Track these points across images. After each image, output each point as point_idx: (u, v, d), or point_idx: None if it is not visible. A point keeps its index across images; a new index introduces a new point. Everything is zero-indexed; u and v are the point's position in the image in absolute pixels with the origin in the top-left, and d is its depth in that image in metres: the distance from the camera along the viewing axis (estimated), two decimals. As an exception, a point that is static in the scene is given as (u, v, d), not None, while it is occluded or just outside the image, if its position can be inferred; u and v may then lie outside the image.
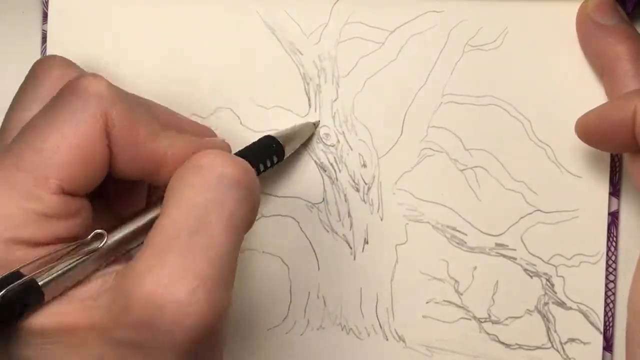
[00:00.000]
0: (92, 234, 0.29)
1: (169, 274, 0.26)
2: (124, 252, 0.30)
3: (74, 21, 0.39)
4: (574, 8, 0.35)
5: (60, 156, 0.28)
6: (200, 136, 0.33)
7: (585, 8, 0.35)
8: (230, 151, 0.33)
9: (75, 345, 0.27)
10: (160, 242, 0.27)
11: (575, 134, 0.34)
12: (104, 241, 0.29)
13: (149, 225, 0.29)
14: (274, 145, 0.35)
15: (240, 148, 0.37)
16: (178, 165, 0.30)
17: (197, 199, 0.28)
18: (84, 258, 0.28)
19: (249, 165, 0.30)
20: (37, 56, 0.39)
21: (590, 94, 0.35)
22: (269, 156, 0.34)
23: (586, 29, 0.35)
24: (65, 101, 0.29)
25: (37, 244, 0.28)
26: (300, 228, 0.38)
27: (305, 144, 0.38)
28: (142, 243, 0.29)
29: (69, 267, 0.28)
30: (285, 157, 0.35)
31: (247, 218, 0.29)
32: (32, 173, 0.28)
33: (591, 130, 0.33)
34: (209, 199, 0.28)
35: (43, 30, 0.39)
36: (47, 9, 0.39)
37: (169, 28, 0.38)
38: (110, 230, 0.29)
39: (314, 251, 0.38)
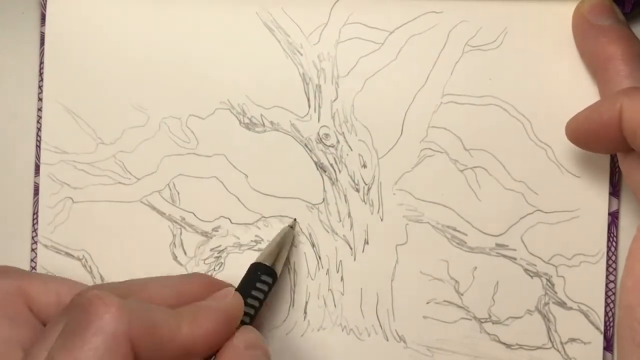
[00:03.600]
0: None
1: None
2: None
3: (72, 23, 0.38)
4: (573, 8, 0.35)
5: None
6: (202, 291, 0.33)
7: (580, 8, 0.35)
8: (242, 301, 0.33)
9: None
10: None
11: (566, 137, 0.34)
12: None
13: None
14: (265, 274, 0.35)
15: (238, 150, 0.37)
16: (207, 343, 0.30)
17: None
18: None
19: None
20: (36, 57, 0.39)
21: (590, 94, 0.36)
22: (267, 288, 0.35)
23: (581, 29, 0.35)
24: (84, 337, 0.28)
25: None
26: (301, 229, 0.38)
27: (307, 146, 0.38)
28: None
29: None
30: (277, 276, 0.36)
31: None
32: None
33: (581, 133, 0.33)
34: None
35: (41, 32, 0.39)
36: (45, 11, 0.39)
37: (168, 29, 0.38)
38: None
39: (315, 252, 0.38)
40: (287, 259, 0.37)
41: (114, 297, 0.29)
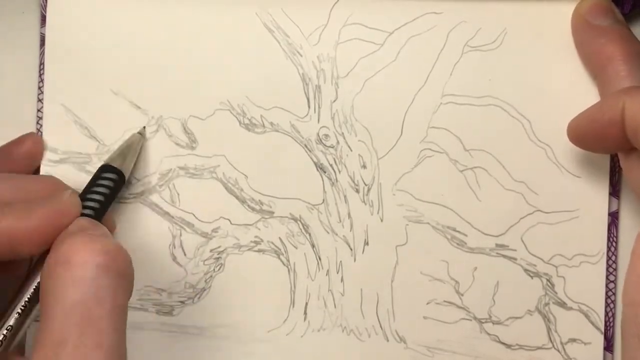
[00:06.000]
0: None
1: None
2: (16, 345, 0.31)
3: (72, 23, 0.38)
4: (573, 9, 0.36)
5: None
6: (46, 192, 0.33)
7: (579, 9, 0.35)
8: (78, 200, 0.33)
9: None
10: (51, 347, 0.27)
11: (568, 138, 0.34)
12: None
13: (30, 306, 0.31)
14: (113, 175, 0.36)
15: (238, 151, 0.37)
16: (35, 236, 0.30)
17: (75, 298, 0.28)
18: None
19: (114, 244, 0.30)
20: (36, 57, 0.39)
21: (589, 94, 0.36)
22: (115, 187, 0.35)
23: (580, 29, 0.35)
24: None
25: None
26: (301, 229, 0.38)
27: (307, 147, 0.38)
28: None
29: None
30: (127, 177, 0.36)
31: (126, 298, 0.29)
32: None
33: (583, 133, 0.34)
34: (87, 295, 0.28)
35: (41, 32, 0.39)
36: (45, 12, 0.39)
37: (168, 30, 0.38)
38: None
39: (315, 252, 0.38)
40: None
41: None
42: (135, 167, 0.38)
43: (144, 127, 0.38)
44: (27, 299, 0.31)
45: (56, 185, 0.35)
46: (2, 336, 0.30)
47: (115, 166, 0.36)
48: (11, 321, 0.31)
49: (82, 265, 0.28)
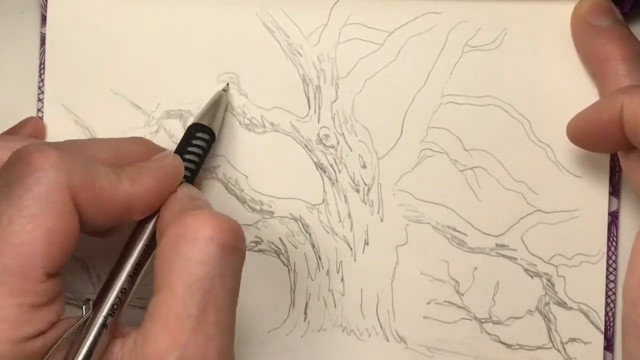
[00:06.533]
0: (84, 307, 0.30)
1: (193, 355, 0.27)
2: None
3: (72, 23, 0.38)
4: (573, 9, 0.36)
5: (40, 245, 0.28)
6: (143, 154, 0.33)
7: (579, 9, 0.35)
8: (182, 163, 0.33)
9: None
10: (174, 321, 0.28)
11: (568, 138, 0.34)
12: (89, 307, 0.30)
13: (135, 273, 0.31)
14: (205, 134, 0.35)
15: (238, 151, 0.37)
16: (148, 199, 0.31)
17: (201, 275, 0.28)
18: (93, 334, 0.29)
19: (234, 222, 0.30)
20: (36, 57, 0.39)
21: (589, 94, 0.36)
22: (207, 146, 0.35)
23: (580, 30, 0.35)
24: (25, 185, 0.28)
25: (39, 334, 0.28)
26: (301, 229, 0.38)
27: (308, 147, 0.38)
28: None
29: (89, 348, 0.29)
30: (216, 135, 0.36)
31: (239, 276, 0.30)
32: (17, 269, 0.27)
33: (582, 133, 0.34)
34: (210, 272, 0.28)
35: (42, 32, 0.39)
36: (45, 12, 0.39)
37: (168, 30, 0.38)
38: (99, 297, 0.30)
39: (315, 252, 0.38)
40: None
41: (53, 149, 0.29)
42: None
43: (228, 84, 0.38)
44: (136, 263, 0.31)
45: (150, 146, 0.35)
46: (117, 299, 0.30)
47: (205, 124, 0.35)
48: (125, 283, 0.30)
49: (209, 244, 0.28)
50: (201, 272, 0.28)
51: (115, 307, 0.30)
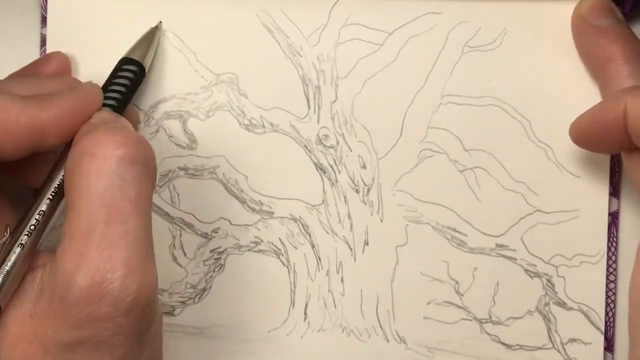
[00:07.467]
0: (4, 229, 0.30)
1: (97, 270, 0.27)
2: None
3: (72, 24, 0.38)
4: (573, 9, 0.36)
5: None
6: (66, 87, 0.33)
7: (579, 9, 0.35)
8: (100, 90, 0.33)
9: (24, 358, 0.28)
10: (79, 239, 0.28)
11: (571, 139, 0.34)
12: (7, 231, 0.30)
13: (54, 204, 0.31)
14: (133, 66, 0.35)
15: (238, 151, 0.37)
16: (60, 124, 0.31)
17: (100, 188, 0.28)
18: (11, 257, 0.29)
19: (136, 136, 0.30)
20: (36, 57, 0.39)
21: (589, 94, 0.36)
22: (136, 79, 0.35)
23: (581, 30, 0.35)
24: None
25: None
26: (301, 230, 0.38)
27: (307, 147, 0.38)
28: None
29: (7, 271, 0.29)
30: (147, 69, 0.36)
31: (151, 188, 0.30)
32: None
33: (585, 134, 0.34)
34: (111, 186, 0.28)
35: (42, 33, 0.39)
36: (45, 12, 0.39)
37: (167, 30, 0.38)
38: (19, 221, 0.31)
39: (314, 253, 0.38)
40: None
41: None
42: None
43: (160, 22, 0.38)
44: (55, 187, 0.31)
45: (75, 82, 0.35)
46: (35, 220, 0.30)
47: (135, 58, 0.36)
48: (43, 206, 0.31)
49: (105, 157, 0.28)
50: (100, 185, 0.28)
51: (33, 227, 0.30)
